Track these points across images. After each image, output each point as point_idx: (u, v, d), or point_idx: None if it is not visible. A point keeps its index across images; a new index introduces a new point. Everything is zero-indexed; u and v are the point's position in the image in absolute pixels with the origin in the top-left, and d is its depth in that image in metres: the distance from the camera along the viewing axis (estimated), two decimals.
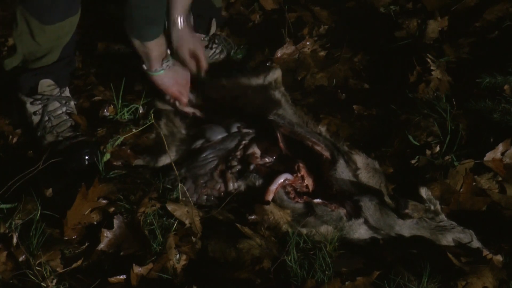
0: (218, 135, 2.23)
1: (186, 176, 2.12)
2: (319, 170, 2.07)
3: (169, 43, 2.32)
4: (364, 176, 2.01)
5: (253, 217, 1.97)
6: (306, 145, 2.08)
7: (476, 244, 1.87)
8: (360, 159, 2.04)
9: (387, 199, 1.96)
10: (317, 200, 1.99)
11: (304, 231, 1.95)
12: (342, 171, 2.01)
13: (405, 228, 1.91)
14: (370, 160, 2.07)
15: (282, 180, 2.04)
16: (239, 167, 2.12)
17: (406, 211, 1.89)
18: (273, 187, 2.03)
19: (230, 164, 2.13)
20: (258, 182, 2.07)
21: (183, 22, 2.33)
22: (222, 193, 2.09)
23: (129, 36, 2.22)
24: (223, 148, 2.18)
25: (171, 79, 2.32)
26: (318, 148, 2.06)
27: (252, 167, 2.11)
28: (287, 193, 2.03)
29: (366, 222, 1.94)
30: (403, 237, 1.91)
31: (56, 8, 2.15)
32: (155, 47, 2.23)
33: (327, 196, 2.00)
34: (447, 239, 1.88)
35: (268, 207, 1.98)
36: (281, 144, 2.13)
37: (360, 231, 1.94)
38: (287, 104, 2.26)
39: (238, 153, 2.16)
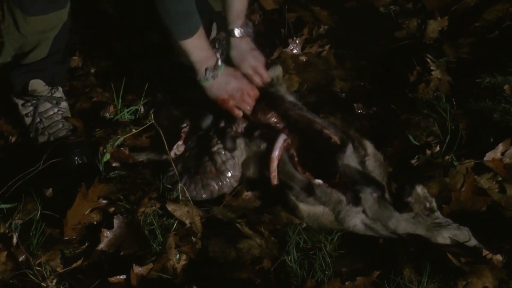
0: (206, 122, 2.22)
1: (182, 172, 2.11)
2: (324, 156, 2.06)
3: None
4: (371, 164, 2.01)
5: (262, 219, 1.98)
6: (315, 129, 2.08)
7: (473, 242, 1.87)
8: (370, 147, 2.05)
9: (387, 194, 1.96)
10: (318, 181, 1.98)
11: (303, 206, 1.94)
12: (349, 157, 2.00)
13: (402, 222, 1.90)
14: (377, 152, 2.07)
15: (281, 143, 2.02)
16: (219, 141, 2.10)
17: (409, 198, 1.88)
18: (275, 153, 2.01)
19: (211, 142, 2.11)
20: (257, 144, 2.07)
21: (241, 33, 2.30)
22: (215, 174, 2.07)
23: (171, 40, 2.15)
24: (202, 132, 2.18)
25: (221, 90, 2.20)
26: (327, 131, 2.06)
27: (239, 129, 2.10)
28: (292, 161, 2.02)
29: (364, 212, 1.93)
30: (398, 232, 1.91)
31: (40, 0, 2.14)
32: (194, 48, 2.14)
33: (331, 184, 1.99)
34: (443, 236, 1.87)
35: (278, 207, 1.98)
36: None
37: (356, 219, 1.93)
38: (291, 98, 2.27)
39: (212, 132, 2.14)
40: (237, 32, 2.30)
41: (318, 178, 1.99)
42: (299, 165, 2.03)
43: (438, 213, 1.93)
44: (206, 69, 2.16)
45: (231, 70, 2.23)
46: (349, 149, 2.01)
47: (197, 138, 2.19)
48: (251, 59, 2.29)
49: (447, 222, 1.91)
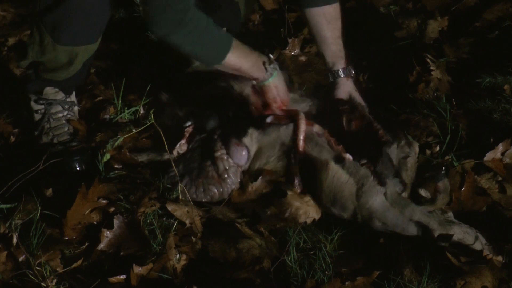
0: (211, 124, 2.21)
1: (183, 173, 2.11)
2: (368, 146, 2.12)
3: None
4: (411, 162, 2.03)
5: (268, 212, 1.98)
6: (374, 128, 2.14)
7: (482, 243, 1.87)
8: (417, 148, 2.08)
9: (406, 193, 1.99)
10: (349, 156, 2.02)
11: (333, 165, 1.96)
12: (393, 152, 2.04)
13: (417, 212, 1.91)
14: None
15: (304, 124, 2.06)
16: (223, 146, 2.09)
17: (439, 184, 1.89)
18: (301, 135, 2.05)
19: (215, 147, 2.10)
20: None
21: (345, 74, 2.29)
22: (217, 180, 2.07)
23: (211, 67, 2.11)
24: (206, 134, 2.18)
25: (282, 86, 2.18)
26: (376, 125, 2.14)
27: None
28: (321, 134, 2.08)
29: (385, 194, 1.94)
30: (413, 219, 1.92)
31: (73, 33, 2.10)
32: (239, 59, 2.08)
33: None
34: (454, 231, 1.88)
35: (286, 199, 1.98)
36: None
37: (376, 197, 1.93)
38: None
39: (217, 135, 2.13)
40: (341, 72, 2.29)
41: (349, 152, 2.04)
42: (332, 137, 2.07)
43: (451, 213, 1.95)
44: (264, 65, 2.11)
45: (278, 79, 2.18)
46: (394, 147, 2.05)
47: (201, 140, 2.18)
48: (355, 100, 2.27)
49: (459, 222, 1.91)
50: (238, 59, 2.07)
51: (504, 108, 2.24)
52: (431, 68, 2.47)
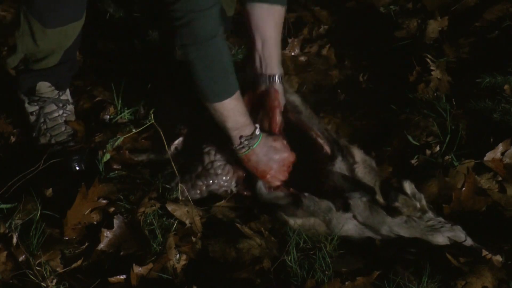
0: None
1: (179, 171, 2.08)
2: (315, 164, 2.08)
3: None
4: (361, 171, 2.01)
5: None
6: (309, 136, 2.09)
7: (469, 241, 1.87)
8: (358, 154, 2.05)
9: (379, 197, 1.95)
10: (305, 195, 1.97)
11: (292, 221, 1.95)
12: (339, 167, 2.02)
13: (394, 227, 1.91)
14: (368, 157, 2.07)
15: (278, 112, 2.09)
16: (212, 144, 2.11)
17: (396, 204, 1.88)
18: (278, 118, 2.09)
19: (204, 143, 2.12)
20: None
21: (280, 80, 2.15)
22: (201, 173, 2.08)
23: (204, 102, 1.98)
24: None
25: (260, 162, 2.04)
26: (320, 141, 2.07)
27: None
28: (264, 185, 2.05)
29: (355, 217, 1.93)
30: (392, 237, 1.91)
31: (59, 13, 2.13)
32: (230, 112, 1.97)
33: (319, 192, 1.99)
34: (438, 240, 1.87)
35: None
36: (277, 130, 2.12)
37: (348, 226, 1.93)
38: (293, 92, 2.28)
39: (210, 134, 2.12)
40: (277, 78, 2.14)
41: (307, 189, 1.99)
42: (279, 186, 2.05)
43: (429, 214, 1.92)
44: (241, 137, 2.00)
45: (269, 139, 2.07)
46: (339, 161, 2.03)
47: (195, 139, 2.19)
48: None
49: (440, 223, 1.90)
50: (230, 111, 1.97)
51: (504, 108, 2.24)
52: (431, 68, 2.47)
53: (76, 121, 2.35)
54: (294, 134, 2.14)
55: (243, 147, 2.01)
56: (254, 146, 2.01)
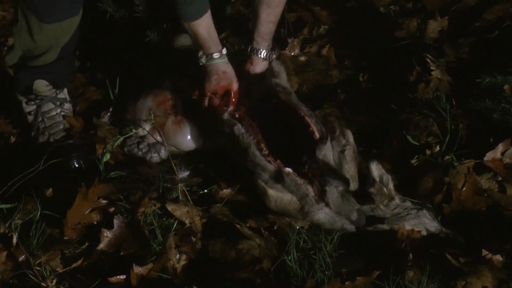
0: None
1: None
2: (302, 145, 2.09)
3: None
4: (350, 154, 2.03)
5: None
6: (298, 115, 2.11)
7: (434, 227, 1.90)
8: (351, 136, 2.07)
9: (355, 184, 1.99)
10: (288, 169, 2.00)
11: (271, 192, 1.98)
12: (327, 149, 2.02)
13: (362, 215, 1.94)
14: (355, 145, 2.09)
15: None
16: None
17: (371, 189, 1.91)
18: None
19: None
20: None
21: (263, 56, 2.33)
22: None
23: (180, 21, 2.21)
24: None
25: (208, 79, 2.25)
26: (308, 120, 2.09)
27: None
28: (260, 149, 2.05)
29: (327, 205, 1.96)
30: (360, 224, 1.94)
31: (56, 7, 2.15)
32: (199, 32, 2.17)
33: (300, 173, 2.01)
34: (404, 227, 1.90)
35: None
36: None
37: (319, 215, 1.97)
38: (285, 76, 2.33)
39: None
40: (262, 53, 2.33)
41: (289, 167, 2.01)
42: (268, 154, 2.05)
43: (396, 200, 1.96)
44: (204, 53, 2.22)
45: (228, 67, 2.25)
46: (327, 142, 2.03)
47: None
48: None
49: (406, 211, 1.94)
50: (199, 31, 2.17)
51: (504, 108, 2.24)
52: (431, 68, 2.47)
53: (75, 116, 2.35)
54: (283, 113, 2.18)
55: (202, 61, 2.23)
56: (209, 62, 2.22)
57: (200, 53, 2.22)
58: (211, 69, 2.23)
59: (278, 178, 1.99)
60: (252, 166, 2.03)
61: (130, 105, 2.32)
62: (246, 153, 2.04)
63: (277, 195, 2.00)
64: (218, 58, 2.22)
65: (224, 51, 2.24)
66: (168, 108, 2.28)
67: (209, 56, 2.22)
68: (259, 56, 2.33)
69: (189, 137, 2.27)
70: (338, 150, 2.04)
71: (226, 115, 2.17)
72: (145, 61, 2.63)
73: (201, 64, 2.24)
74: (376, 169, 1.95)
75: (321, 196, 1.97)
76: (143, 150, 2.25)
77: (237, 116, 2.19)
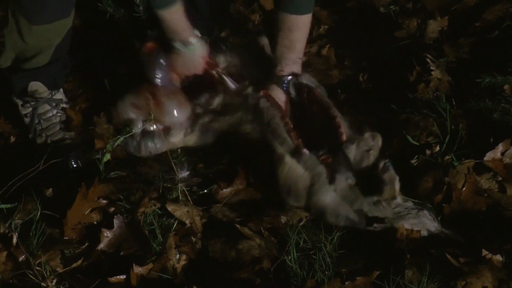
0: None
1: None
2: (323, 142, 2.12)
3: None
4: (374, 155, 2.08)
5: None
6: (330, 114, 2.15)
7: (434, 227, 1.91)
8: (381, 141, 2.12)
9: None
10: (306, 151, 2.03)
11: (288, 158, 2.00)
12: (351, 150, 2.06)
13: (365, 204, 1.96)
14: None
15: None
16: None
17: (384, 175, 1.95)
18: None
19: None
20: None
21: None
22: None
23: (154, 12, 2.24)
24: None
25: (176, 64, 2.31)
26: (339, 121, 2.13)
27: None
28: (285, 123, 2.07)
29: (335, 190, 1.98)
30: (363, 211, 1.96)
31: (46, 9, 2.13)
32: (168, 20, 2.21)
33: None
34: (403, 226, 1.90)
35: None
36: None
37: (326, 196, 1.98)
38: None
39: None
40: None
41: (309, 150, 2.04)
42: (293, 129, 2.08)
43: (398, 199, 1.98)
44: (174, 39, 2.26)
45: (196, 56, 2.30)
46: (354, 145, 2.07)
47: None
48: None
49: (407, 210, 1.95)
50: (168, 19, 2.21)
51: (504, 108, 2.24)
52: (431, 68, 2.47)
53: (74, 111, 2.35)
54: (315, 109, 2.22)
55: (171, 45, 2.28)
56: (177, 49, 2.28)
57: (175, 42, 2.26)
58: (189, 55, 2.29)
59: (296, 154, 2.01)
60: (273, 137, 2.05)
61: (113, 110, 2.33)
62: (269, 125, 2.07)
63: (293, 164, 2.01)
64: (196, 42, 2.27)
65: (197, 33, 2.29)
66: (147, 96, 2.30)
67: (185, 42, 2.26)
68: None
69: (175, 112, 2.29)
70: (364, 149, 2.07)
71: (250, 90, 2.21)
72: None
73: (177, 51, 2.28)
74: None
75: (331, 181, 1.99)
76: (137, 139, 2.25)
77: (261, 93, 2.20)
